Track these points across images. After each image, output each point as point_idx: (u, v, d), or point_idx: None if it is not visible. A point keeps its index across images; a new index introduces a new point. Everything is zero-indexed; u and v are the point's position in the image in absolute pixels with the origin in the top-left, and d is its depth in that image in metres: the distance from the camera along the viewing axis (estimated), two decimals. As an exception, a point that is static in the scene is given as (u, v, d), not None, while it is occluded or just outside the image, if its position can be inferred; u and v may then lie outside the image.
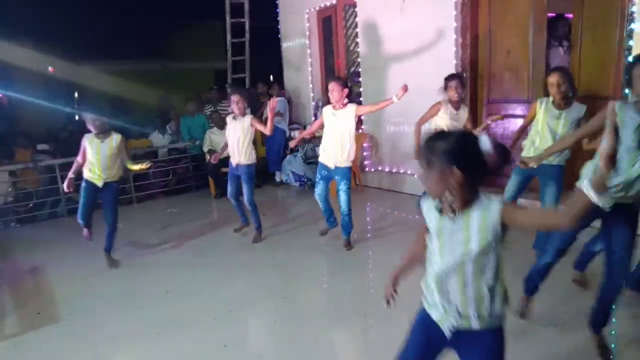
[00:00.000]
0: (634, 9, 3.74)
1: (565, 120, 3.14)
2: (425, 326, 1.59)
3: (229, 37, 8.07)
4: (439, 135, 1.49)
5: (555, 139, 3.14)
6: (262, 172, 7.18)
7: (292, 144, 4.72)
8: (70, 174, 4.13)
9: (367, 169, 6.62)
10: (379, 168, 6.44)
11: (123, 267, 4.24)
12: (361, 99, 6.56)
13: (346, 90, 4.02)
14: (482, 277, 1.46)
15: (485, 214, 1.43)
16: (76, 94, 15.11)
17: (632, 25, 3.77)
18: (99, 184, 4.09)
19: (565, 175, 3.31)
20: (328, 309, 3.34)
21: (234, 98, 4.34)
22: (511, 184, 3.45)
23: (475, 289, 1.47)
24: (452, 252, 1.47)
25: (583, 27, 4.37)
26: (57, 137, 8.34)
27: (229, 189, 4.61)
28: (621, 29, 3.99)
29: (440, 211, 1.50)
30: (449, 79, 4.05)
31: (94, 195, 4.17)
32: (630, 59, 3.77)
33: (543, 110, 3.24)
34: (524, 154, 3.32)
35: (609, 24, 4.13)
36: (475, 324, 1.48)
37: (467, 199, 1.45)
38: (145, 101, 11.34)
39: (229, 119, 4.51)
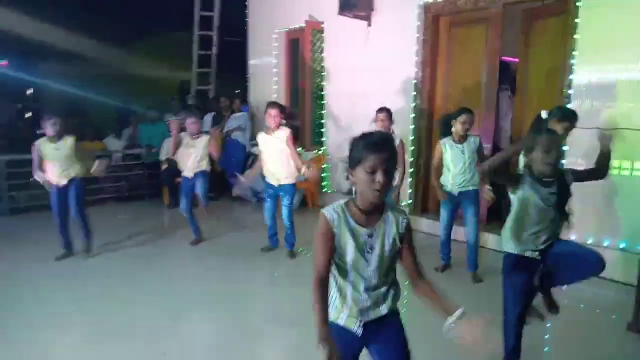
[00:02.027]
0: (574, 61, 4.10)
1: (468, 151, 3.82)
2: (335, 338, 1.55)
3: (195, 48, 8.09)
4: (390, 139, 1.61)
5: (462, 169, 3.82)
6: (220, 186, 7.14)
7: (246, 180, 4.66)
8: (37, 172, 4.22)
9: (324, 190, 6.73)
10: (336, 190, 6.57)
11: (63, 271, 4.09)
12: (322, 121, 6.72)
13: (282, 114, 4.35)
14: (391, 274, 1.70)
15: (395, 228, 1.64)
16: (30, 91, 14.51)
17: (571, 76, 4.13)
18: (63, 182, 4.24)
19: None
20: (270, 321, 3.34)
21: (189, 120, 4.67)
22: (444, 215, 4.04)
23: (388, 284, 1.69)
24: (372, 260, 1.64)
25: (528, 74, 4.73)
26: (4, 134, 8.01)
27: (183, 203, 4.76)
28: (562, 78, 4.35)
29: (356, 222, 1.63)
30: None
31: (63, 197, 4.30)
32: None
33: (448, 148, 3.87)
34: (447, 187, 3.94)
35: (552, 72, 4.49)
36: (384, 310, 1.69)
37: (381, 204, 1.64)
38: (105, 105, 11.10)
39: (184, 136, 4.72)
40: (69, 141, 4.23)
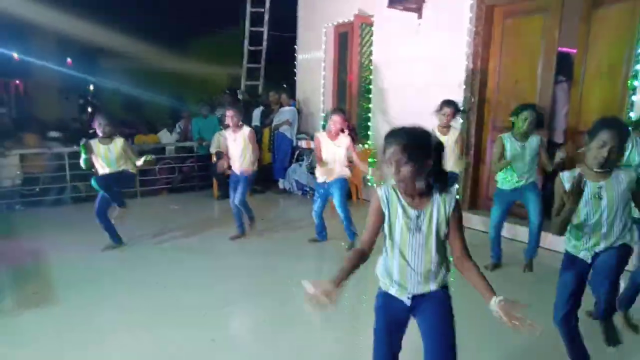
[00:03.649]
0: (640, 51, 3.84)
1: (529, 150, 3.68)
2: (386, 305, 1.85)
3: (246, 44, 8.25)
4: (414, 131, 1.70)
5: (522, 167, 3.69)
6: (266, 179, 7.28)
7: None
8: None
9: (369, 184, 6.70)
10: (382, 183, 6.51)
11: (121, 258, 4.32)
12: (369, 114, 6.68)
13: (345, 122, 4.37)
14: (440, 255, 1.76)
15: (443, 210, 1.71)
16: (91, 87, 15.33)
17: (637, 67, 3.87)
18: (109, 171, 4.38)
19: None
20: (316, 313, 3.38)
21: (229, 113, 4.64)
22: (496, 213, 3.93)
23: (436, 261, 1.76)
24: (417, 240, 1.74)
25: (587, 64, 4.48)
26: (68, 127, 8.51)
27: (231, 195, 4.83)
28: (627, 69, 4.08)
29: (406, 203, 1.74)
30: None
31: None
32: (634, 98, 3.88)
33: (509, 144, 3.71)
34: (501, 185, 3.86)
35: (615, 62, 4.22)
36: (433, 287, 1.78)
37: (428, 188, 1.70)
38: (160, 100, 11.53)
39: (228, 131, 4.75)
40: (118, 143, 4.35)
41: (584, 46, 4.50)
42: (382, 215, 1.76)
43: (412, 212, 1.72)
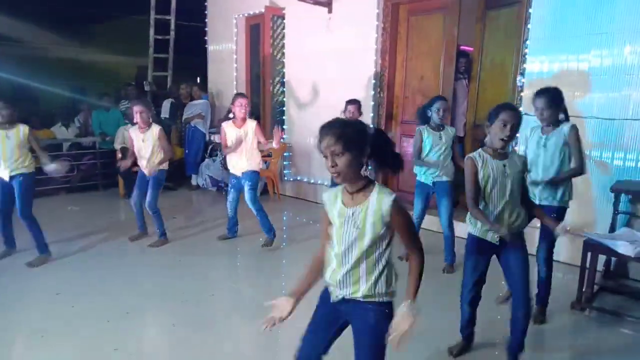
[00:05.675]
0: (527, 50, 4.20)
1: (446, 139, 3.74)
2: (325, 301, 1.76)
3: (152, 32, 7.81)
4: (351, 122, 1.67)
5: (439, 157, 3.73)
6: (179, 175, 6.97)
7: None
8: None
9: (285, 179, 6.68)
10: (298, 178, 6.54)
11: (6, 267, 3.88)
12: (284, 108, 6.64)
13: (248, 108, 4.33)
14: (371, 258, 1.64)
15: (378, 211, 1.59)
16: (-27, 76, 13.67)
17: (525, 65, 4.24)
18: (6, 177, 3.85)
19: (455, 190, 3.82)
20: (230, 313, 3.31)
21: (137, 109, 4.23)
22: (416, 203, 3.96)
23: (365, 267, 1.64)
24: (349, 237, 1.64)
25: (482, 62, 4.82)
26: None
27: (135, 193, 4.48)
28: (516, 67, 4.46)
29: (343, 202, 1.66)
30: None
31: (6, 191, 3.92)
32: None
33: (426, 135, 3.78)
34: (420, 178, 3.90)
35: (506, 61, 4.59)
36: (360, 295, 1.65)
37: (366, 184, 1.62)
38: (56, 91, 10.59)
39: (133, 129, 4.38)
40: (21, 130, 3.83)
41: (479, 45, 4.84)
42: (327, 216, 1.71)
43: (346, 210, 1.64)
